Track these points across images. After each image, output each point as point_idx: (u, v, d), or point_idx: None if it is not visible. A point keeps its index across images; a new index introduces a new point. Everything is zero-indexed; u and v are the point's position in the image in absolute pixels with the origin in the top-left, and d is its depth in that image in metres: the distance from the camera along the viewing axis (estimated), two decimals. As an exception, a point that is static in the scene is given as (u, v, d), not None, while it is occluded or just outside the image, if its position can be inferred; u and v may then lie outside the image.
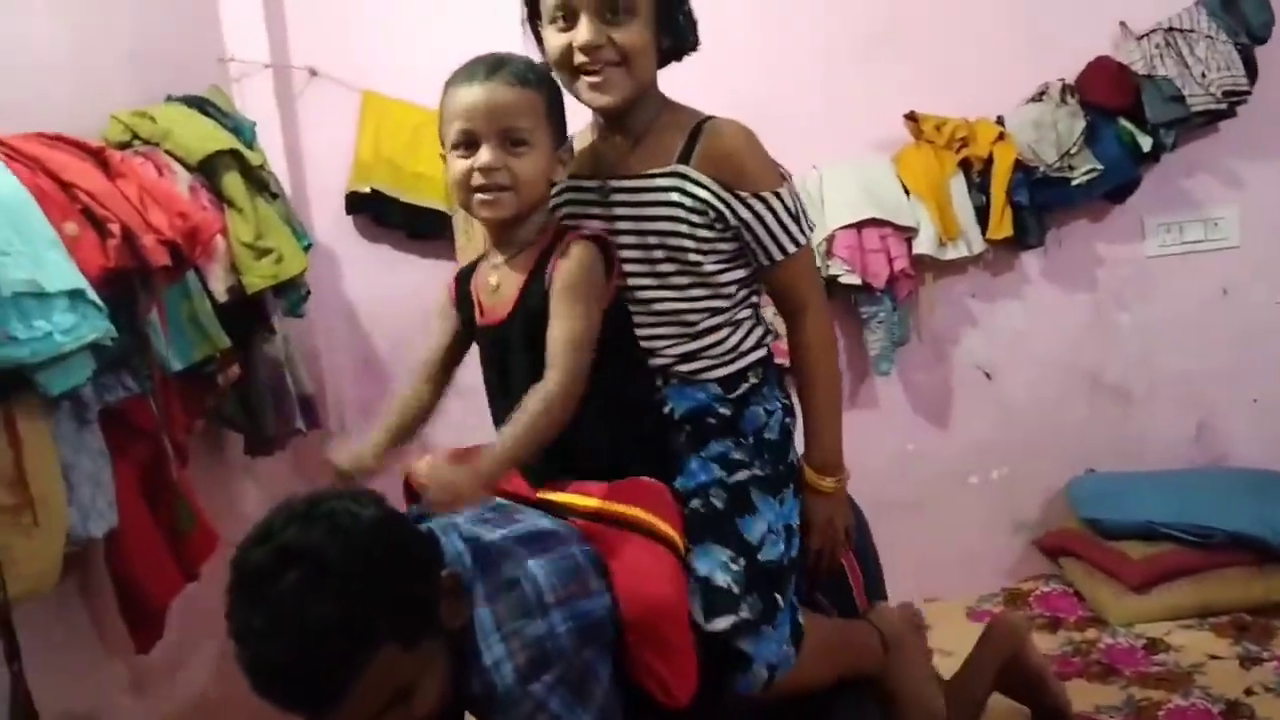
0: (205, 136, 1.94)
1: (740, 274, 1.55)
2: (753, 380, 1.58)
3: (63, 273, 1.31)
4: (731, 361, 1.56)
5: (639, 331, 1.52)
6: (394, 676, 1.10)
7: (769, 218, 1.50)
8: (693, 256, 1.48)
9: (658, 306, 1.51)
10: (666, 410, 1.53)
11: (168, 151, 1.88)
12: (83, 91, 1.86)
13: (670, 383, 1.54)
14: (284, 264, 1.98)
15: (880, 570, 1.84)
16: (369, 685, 1.07)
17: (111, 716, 1.64)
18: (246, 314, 1.99)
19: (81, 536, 1.40)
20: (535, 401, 1.34)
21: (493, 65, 1.40)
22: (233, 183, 1.95)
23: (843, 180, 2.74)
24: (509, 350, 1.44)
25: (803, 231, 1.54)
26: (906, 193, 2.72)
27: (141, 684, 1.74)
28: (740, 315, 1.57)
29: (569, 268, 1.39)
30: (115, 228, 1.43)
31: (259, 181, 2.04)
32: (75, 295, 1.31)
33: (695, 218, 1.47)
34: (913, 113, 2.74)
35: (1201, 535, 2.43)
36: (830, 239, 2.70)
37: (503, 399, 1.43)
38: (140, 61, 2.06)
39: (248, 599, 1.08)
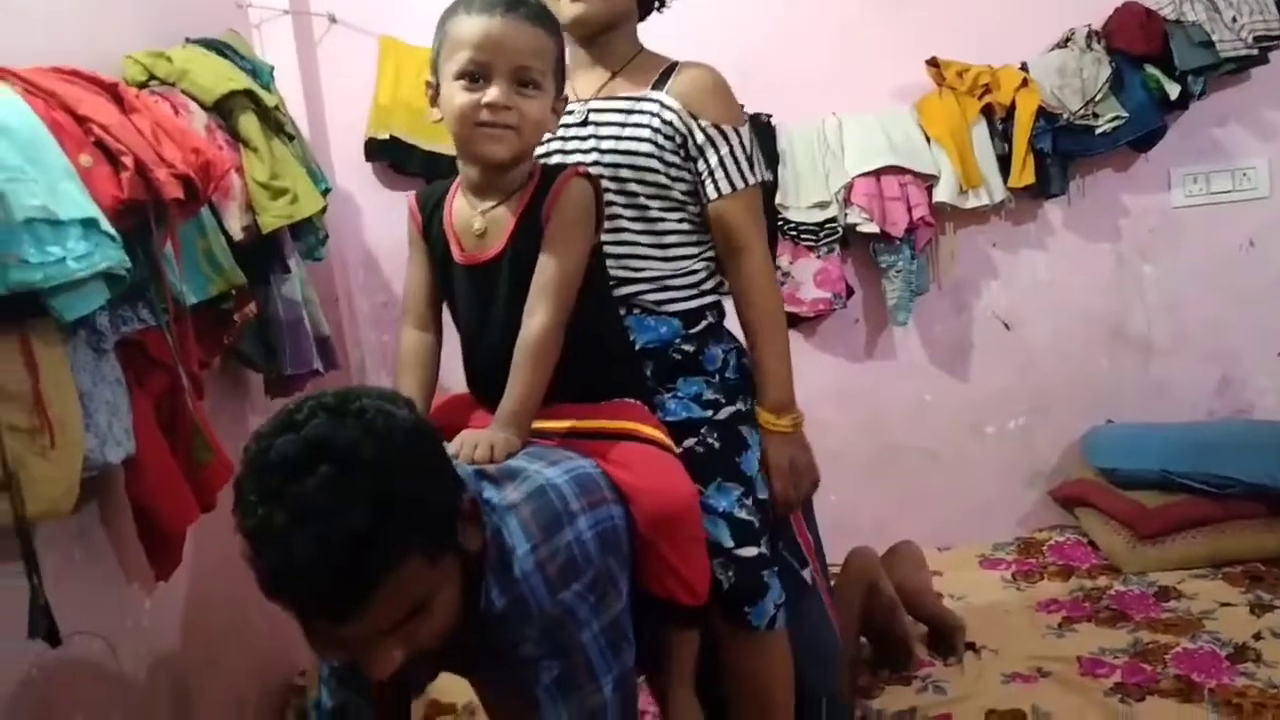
0: (221, 76, 1.95)
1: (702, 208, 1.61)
2: (710, 319, 1.64)
3: (76, 201, 1.33)
4: (695, 297, 1.62)
5: (610, 260, 1.55)
6: (416, 588, 1.04)
7: (724, 148, 1.57)
8: (662, 179, 1.56)
9: (632, 229, 1.57)
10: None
11: (184, 91, 1.89)
12: (99, 34, 1.87)
13: (633, 312, 1.59)
14: (299, 204, 2.00)
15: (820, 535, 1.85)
16: (392, 594, 1.00)
17: (129, 638, 1.69)
18: (263, 254, 2.01)
19: (99, 462, 1.44)
20: (535, 342, 1.35)
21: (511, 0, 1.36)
22: (248, 123, 1.96)
23: (862, 128, 2.72)
24: (493, 288, 1.42)
25: (754, 172, 1.60)
26: (928, 140, 2.70)
27: (159, 608, 1.79)
28: (706, 253, 1.63)
29: (567, 206, 1.39)
30: (128, 160, 1.45)
31: (275, 123, 2.05)
32: (88, 224, 1.33)
33: (664, 140, 1.55)
34: (934, 59, 2.71)
35: (1218, 486, 2.42)
36: (849, 187, 2.69)
37: (480, 336, 1.45)
38: (157, 4, 2.08)
39: (269, 492, 0.98)
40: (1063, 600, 2.37)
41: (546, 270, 1.37)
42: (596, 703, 1.20)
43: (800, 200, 2.71)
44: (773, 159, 2.70)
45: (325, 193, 2.27)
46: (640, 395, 1.51)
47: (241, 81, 1.98)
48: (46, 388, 1.31)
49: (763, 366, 1.61)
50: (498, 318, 1.41)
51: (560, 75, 1.42)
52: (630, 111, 1.57)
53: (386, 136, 2.63)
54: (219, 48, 2.12)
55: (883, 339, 2.89)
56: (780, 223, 2.70)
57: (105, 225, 1.38)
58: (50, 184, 1.30)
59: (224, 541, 1.98)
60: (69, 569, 1.57)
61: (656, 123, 1.55)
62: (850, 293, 2.79)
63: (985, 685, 2.03)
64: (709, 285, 1.64)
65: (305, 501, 0.97)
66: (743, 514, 1.54)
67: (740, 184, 1.58)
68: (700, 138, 1.56)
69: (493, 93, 1.33)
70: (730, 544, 1.52)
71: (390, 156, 2.66)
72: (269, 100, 2.04)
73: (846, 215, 2.70)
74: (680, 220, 1.60)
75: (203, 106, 1.91)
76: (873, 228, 2.68)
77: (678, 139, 1.56)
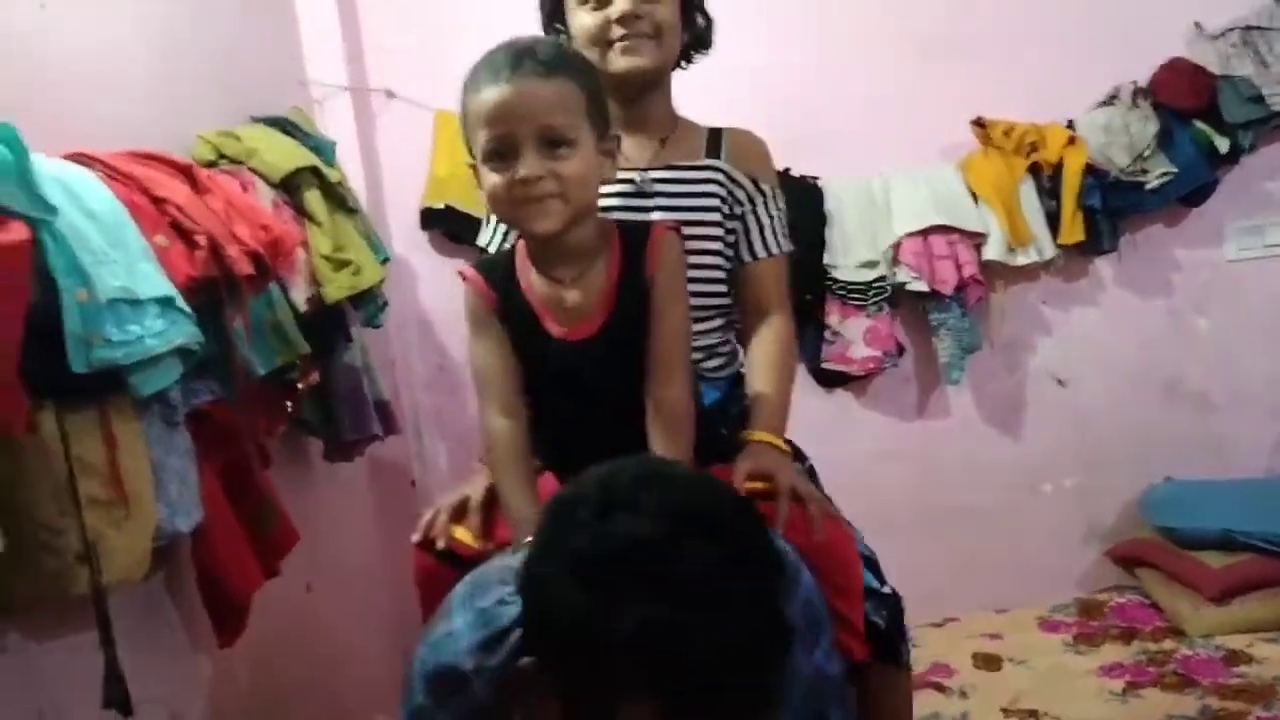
0: (287, 154, 2.03)
1: None
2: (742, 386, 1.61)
3: (154, 281, 1.39)
4: (735, 362, 1.62)
5: None
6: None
7: (775, 211, 1.58)
8: (724, 248, 1.55)
9: (693, 299, 1.52)
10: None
11: (252, 169, 1.97)
12: (170, 111, 1.95)
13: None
14: (361, 275, 2.06)
15: None
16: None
17: (193, 706, 1.72)
18: (326, 324, 2.07)
19: (169, 531, 1.48)
20: (677, 412, 1.32)
21: (517, 55, 1.25)
22: (313, 198, 2.04)
23: (909, 187, 2.74)
24: (594, 367, 1.34)
25: (787, 239, 1.61)
26: (975, 199, 2.72)
27: (221, 675, 1.82)
28: (733, 318, 1.62)
29: (670, 262, 1.34)
30: (202, 239, 1.51)
31: (338, 197, 2.13)
32: (165, 302, 1.39)
33: (725, 208, 1.55)
34: (980, 118, 2.74)
35: (1282, 545, 2.37)
36: (897, 246, 2.71)
37: (583, 414, 1.37)
38: (224, 83, 2.17)
39: (643, 580, 0.85)
40: (1127, 664, 2.32)
41: (667, 333, 1.32)
42: None
43: (848, 259, 2.73)
44: (820, 219, 2.73)
45: (384, 262, 2.33)
46: (732, 455, 1.45)
47: (306, 159, 2.06)
48: (124, 460, 1.36)
49: (769, 409, 1.52)
50: (605, 392, 1.35)
51: (598, 115, 1.32)
52: (695, 181, 1.55)
53: (442, 205, 2.70)
54: (284, 125, 2.20)
55: (935, 398, 2.88)
56: (828, 282, 2.72)
57: (180, 303, 1.44)
58: (130, 264, 1.37)
59: (288, 606, 2.05)
60: (136, 637, 1.60)
61: (724, 192, 1.55)
62: (901, 351, 2.79)
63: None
64: (738, 349, 1.64)
65: (705, 587, 0.85)
66: (868, 551, 1.47)
67: (778, 249, 1.58)
68: (750, 194, 1.56)
69: (521, 169, 1.25)
70: (876, 583, 1.43)
71: (446, 225, 2.73)
72: (332, 176, 2.11)
73: (895, 274, 2.72)
74: (722, 284, 1.59)
75: (269, 183, 1.98)
76: (922, 286, 2.69)
77: (740, 207, 1.57)
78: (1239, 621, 2.34)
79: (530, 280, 1.37)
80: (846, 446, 2.81)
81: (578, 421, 1.37)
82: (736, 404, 1.58)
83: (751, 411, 1.52)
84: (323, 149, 2.27)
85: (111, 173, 1.50)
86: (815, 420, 2.76)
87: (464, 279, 1.40)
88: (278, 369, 1.83)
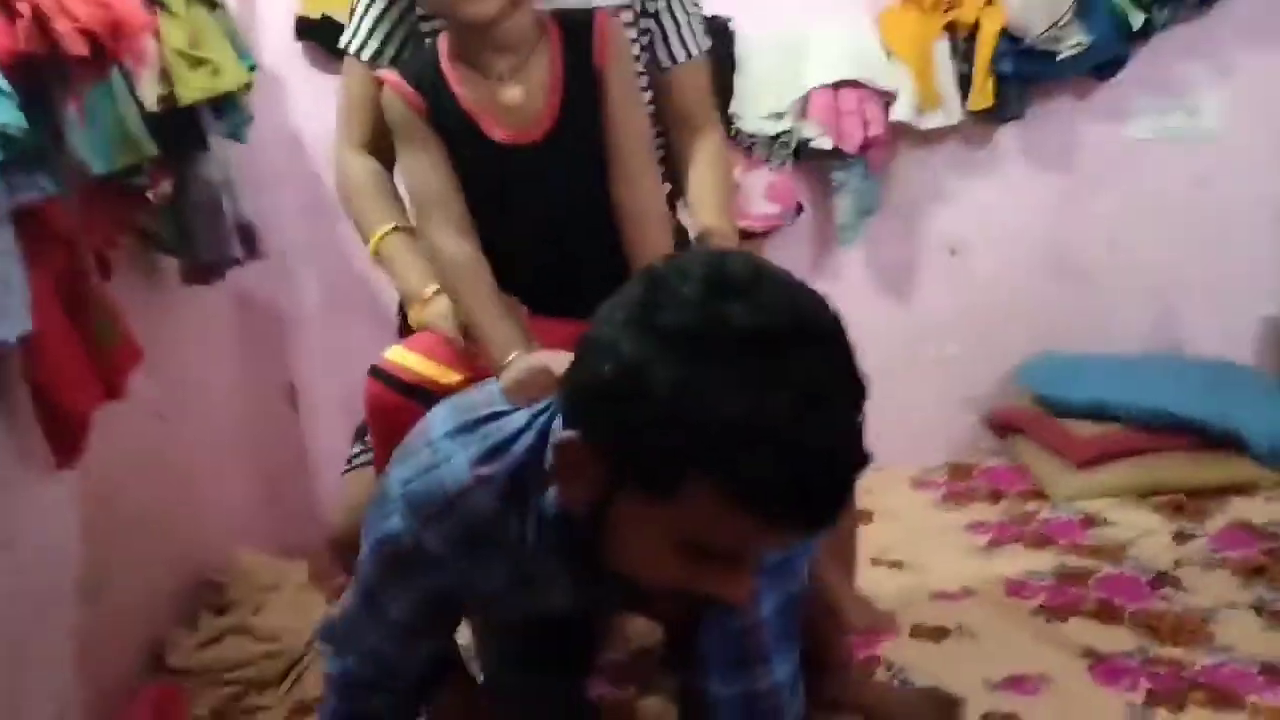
0: (138, -70, 1.79)
1: None
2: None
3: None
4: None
5: None
6: None
7: (691, 9, 1.43)
8: (639, 52, 1.40)
9: None
10: None
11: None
12: None
13: None
14: (221, 77, 1.85)
15: None
16: None
17: (27, 527, 1.60)
18: (180, 128, 1.86)
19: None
20: (659, 208, 1.24)
21: None
22: (168, -15, 1.81)
23: (825, 38, 2.63)
24: (549, 172, 1.24)
25: (706, 40, 1.47)
26: (888, 56, 2.62)
27: (61, 498, 1.69)
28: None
29: (622, 53, 1.22)
30: (24, 7, 1.31)
31: (198, -13, 1.90)
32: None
33: (638, 5, 1.39)
34: (900, -31, 2.62)
35: (1149, 418, 2.43)
36: (805, 99, 2.60)
37: (530, 242, 1.27)
38: None
39: (758, 369, 0.79)
40: (991, 523, 2.39)
41: (631, 127, 1.23)
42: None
43: (756, 109, 2.62)
44: (729, 64, 2.60)
45: (251, 70, 2.12)
46: None
47: (161, -64, 1.82)
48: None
49: (711, 198, 1.44)
50: (563, 200, 1.25)
51: None
52: None
53: (318, 16, 2.47)
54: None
55: (828, 259, 2.83)
56: (732, 132, 2.62)
57: (-3, 79, 1.25)
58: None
59: (134, 431, 1.91)
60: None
61: None
62: (800, 209, 2.72)
63: (913, 601, 2.04)
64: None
65: (832, 381, 0.83)
66: None
67: (699, 49, 1.44)
68: None
69: None
70: None
71: (321, 37, 2.49)
72: (190, -40, 1.87)
73: (800, 129, 2.62)
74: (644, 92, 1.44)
75: (116, -38, 1.75)
76: (827, 143, 2.61)
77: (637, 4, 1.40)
78: (1100, 488, 2.41)
79: (461, 80, 1.23)
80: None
81: (533, 240, 1.27)
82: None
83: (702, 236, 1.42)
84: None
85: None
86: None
87: (385, 84, 1.25)
88: (121, 170, 1.64)
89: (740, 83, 2.61)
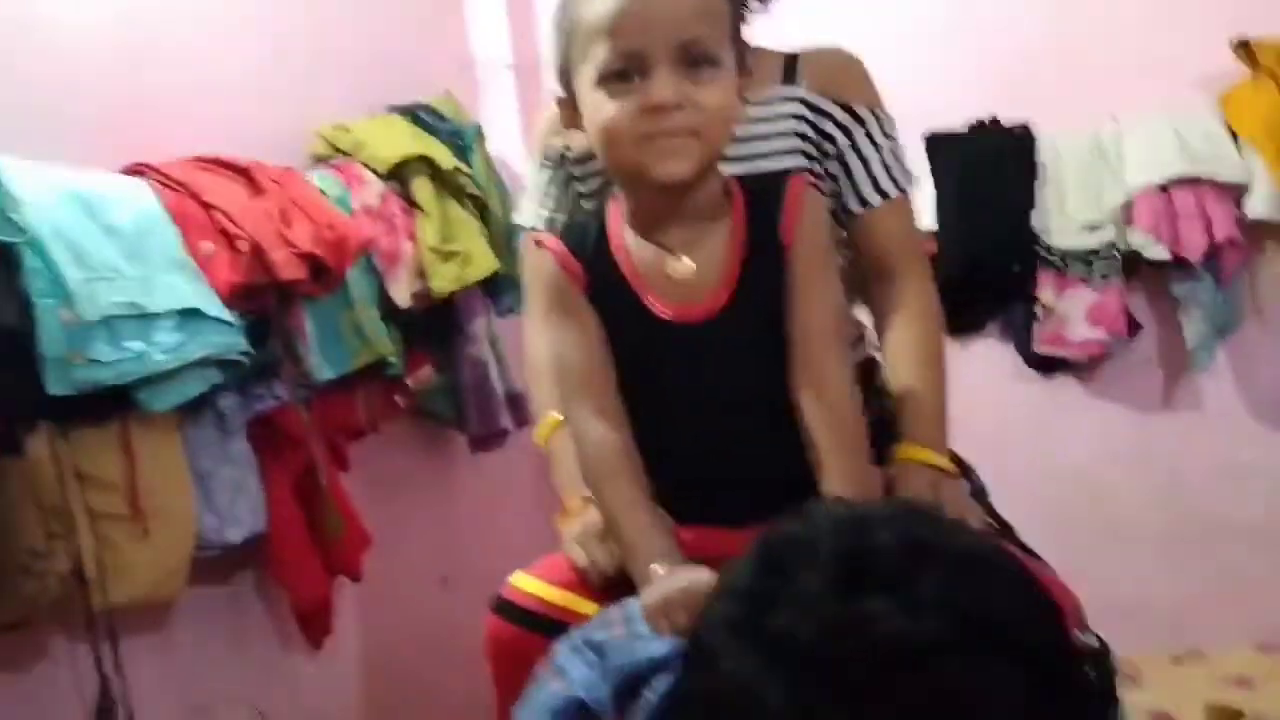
0: (397, 145, 1.98)
1: None
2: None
3: (178, 292, 1.37)
4: (862, 344, 1.32)
5: None
6: None
7: (882, 140, 1.22)
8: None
9: None
10: None
11: (362, 162, 1.94)
12: (315, 103, 1.98)
13: None
14: (471, 267, 1.98)
15: None
16: None
17: (285, 706, 1.73)
18: (443, 316, 2.02)
19: (217, 542, 1.48)
20: (846, 407, 1.06)
21: None
22: (421, 187, 1.97)
23: (1149, 131, 2.25)
24: (717, 356, 1.08)
25: (906, 174, 1.25)
26: (1235, 141, 2.18)
27: (322, 676, 1.82)
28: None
29: (816, 224, 1.07)
30: (243, 244, 1.48)
31: (453, 186, 2.05)
32: (187, 314, 1.37)
33: (810, 146, 1.22)
34: (1245, 40, 2.17)
35: None
36: (1129, 205, 2.23)
37: (689, 434, 1.10)
38: (382, 71, 2.16)
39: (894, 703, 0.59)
40: None
41: (819, 310, 1.06)
42: None
43: (1067, 222, 2.29)
44: (1029, 173, 2.31)
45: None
46: None
47: (417, 148, 1.99)
48: (144, 475, 1.35)
49: (923, 405, 1.21)
50: (731, 389, 1.09)
51: (739, 35, 1.07)
52: (766, 119, 1.22)
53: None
54: (415, 113, 2.15)
55: (1182, 387, 2.36)
56: (1040, 249, 2.30)
57: (215, 312, 1.41)
58: (147, 278, 1.35)
59: (420, 602, 2.02)
60: (222, 639, 1.63)
61: (807, 127, 1.22)
62: (1134, 330, 2.31)
63: None
64: (863, 327, 1.33)
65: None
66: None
67: (895, 189, 1.24)
68: (842, 123, 1.22)
69: (659, 88, 0.98)
70: (1078, 632, 1.19)
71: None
72: (446, 164, 2.03)
73: (1127, 238, 2.24)
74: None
75: (379, 175, 1.94)
76: (1162, 253, 2.20)
77: (830, 144, 1.22)
78: None
79: (628, 248, 1.09)
80: (1066, 446, 2.39)
81: (692, 431, 1.10)
82: (875, 400, 1.24)
83: (900, 418, 1.22)
84: (462, 134, 2.21)
85: (165, 181, 1.51)
86: (1024, 412, 2.39)
87: (540, 246, 1.12)
88: (377, 366, 1.78)
89: (1044, 193, 2.31)
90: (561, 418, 1.25)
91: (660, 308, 1.07)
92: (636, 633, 0.90)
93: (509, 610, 1.14)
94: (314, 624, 1.70)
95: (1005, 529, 1.25)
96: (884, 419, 1.22)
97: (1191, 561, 2.34)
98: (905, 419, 1.21)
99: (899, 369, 1.24)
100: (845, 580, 0.60)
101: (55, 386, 1.21)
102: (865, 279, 1.29)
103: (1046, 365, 2.39)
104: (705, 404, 1.09)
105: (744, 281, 1.06)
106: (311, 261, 1.57)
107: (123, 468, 1.33)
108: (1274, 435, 2.30)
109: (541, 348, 1.29)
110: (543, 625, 1.10)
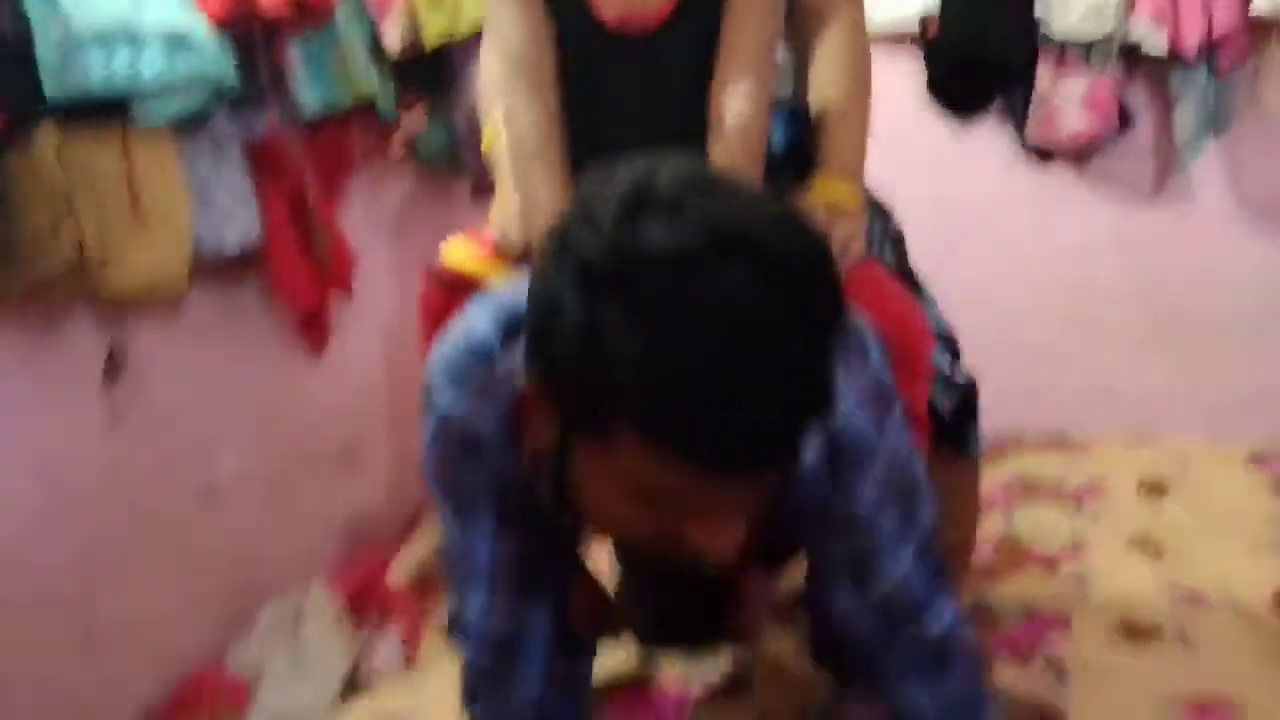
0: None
1: None
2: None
3: (163, 16, 1.50)
4: (786, 83, 1.33)
5: None
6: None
7: None
8: None
9: None
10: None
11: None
12: None
13: None
14: (462, 15, 2.05)
15: None
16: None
17: (289, 399, 1.97)
18: (436, 63, 2.13)
19: (213, 246, 1.67)
20: (750, 131, 1.08)
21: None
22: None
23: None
24: (657, 57, 1.13)
25: None
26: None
27: (330, 373, 2.04)
28: None
29: None
30: (230, -24, 1.60)
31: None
32: (177, 39, 1.50)
33: None
34: None
35: None
36: (1132, -8, 2.18)
37: (634, 123, 1.15)
38: None
39: (656, 300, 0.68)
40: None
41: (748, 22, 1.10)
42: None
43: (1069, 9, 2.25)
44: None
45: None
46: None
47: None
48: (143, 177, 1.53)
49: (841, 134, 1.23)
50: (663, 97, 1.14)
51: None
52: None
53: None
54: None
55: (1174, 182, 2.37)
56: (1041, 37, 2.28)
57: (200, 38, 1.55)
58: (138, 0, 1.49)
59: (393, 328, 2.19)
60: (227, 339, 1.83)
61: None
62: (1127, 123, 2.31)
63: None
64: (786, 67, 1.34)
65: (762, 308, 0.68)
66: (946, 332, 1.30)
67: None
68: None
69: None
70: (947, 369, 1.28)
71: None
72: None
73: (1127, 28, 2.20)
74: None
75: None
76: (1161, 44, 2.17)
77: None
78: None
79: None
80: (1059, 230, 2.44)
81: (623, 132, 1.15)
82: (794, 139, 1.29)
83: (819, 148, 1.25)
84: None
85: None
86: (1018, 198, 2.43)
87: None
88: (350, 107, 1.90)
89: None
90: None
91: (607, 12, 1.11)
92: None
93: (439, 278, 1.28)
94: (313, 330, 1.92)
95: (907, 275, 1.33)
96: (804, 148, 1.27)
97: (1157, 351, 2.43)
98: (823, 149, 1.25)
99: (821, 95, 1.28)
100: (630, 206, 0.70)
101: (49, 91, 1.37)
102: (794, 12, 1.30)
103: (1043, 151, 2.42)
104: (641, 115, 1.15)
105: None
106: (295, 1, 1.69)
107: (123, 168, 1.51)
108: (1254, 233, 2.33)
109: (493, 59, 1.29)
110: (465, 289, 1.19)
